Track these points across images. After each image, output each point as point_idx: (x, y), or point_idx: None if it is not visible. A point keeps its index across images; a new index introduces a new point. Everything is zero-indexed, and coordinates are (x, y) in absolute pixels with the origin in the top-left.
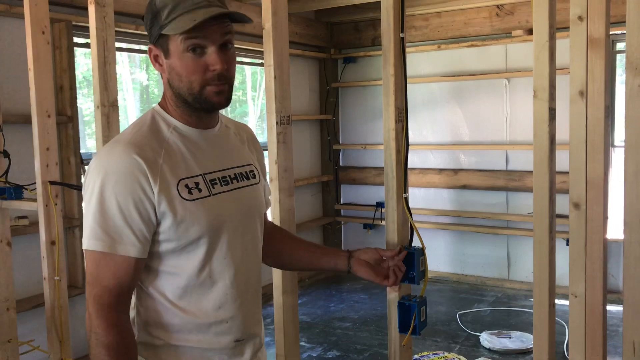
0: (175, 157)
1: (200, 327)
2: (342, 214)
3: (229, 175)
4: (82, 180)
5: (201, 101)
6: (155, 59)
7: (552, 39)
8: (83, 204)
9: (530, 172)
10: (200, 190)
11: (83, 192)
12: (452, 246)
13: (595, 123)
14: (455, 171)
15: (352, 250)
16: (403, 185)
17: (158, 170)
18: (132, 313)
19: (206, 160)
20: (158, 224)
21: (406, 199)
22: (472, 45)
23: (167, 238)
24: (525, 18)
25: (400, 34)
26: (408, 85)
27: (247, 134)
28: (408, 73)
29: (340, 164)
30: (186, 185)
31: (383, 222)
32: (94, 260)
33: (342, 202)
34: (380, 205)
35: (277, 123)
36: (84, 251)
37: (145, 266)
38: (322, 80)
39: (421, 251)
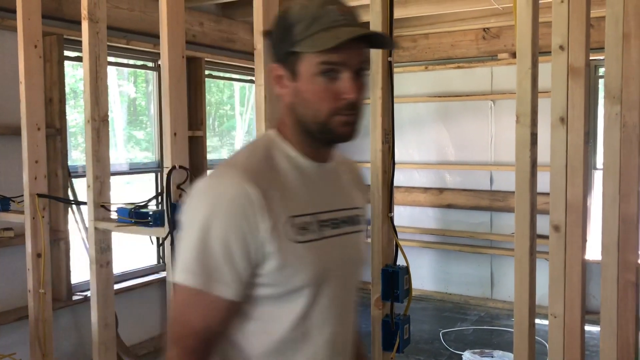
0: (288, 190)
1: None
2: None
3: (338, 218)
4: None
5: (326, 131)
6: (277, 80)
7: (534, 66)
8: (180, 231)
9: (514, 192)
10: (310, 232)
11: (182, 216)
12: (436, 265)
13: (575, 148)
14: (441, 190)
15: None
16: (389, 205)
17: (271, 205)
18: None
19: (318, 198)
20: (260, 265)
21: (391, 219)
22: (459, 67)
23: (267, 282)
24: (510, 41)
25: (388, 58)
26: (395, 104)
27: (354, 170)
28: (395, 93)
29: None
30: (296, 225)
31: None
32: (184, 296)
33: None
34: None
35: None
36: (173, 284)
37: (240, 314)
38: None
39: (405, 270)
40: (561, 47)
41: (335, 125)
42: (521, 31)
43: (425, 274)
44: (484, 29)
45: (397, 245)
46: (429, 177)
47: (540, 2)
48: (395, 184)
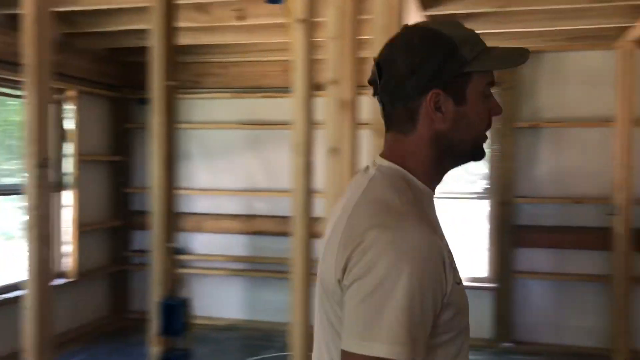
0: (437, 230)
1: None
2: (133, 261)
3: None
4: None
5: (477, 153)
6: (436, 107)
7: (309, 98)
8: (363, 291)
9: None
10: (455, 270)
11: (364, 274)
12: (245, 292)
13: (345, 177)
14: (250, 217)
15: None
16: (168, 234)
17: (444, 252)
18: None
19: (445, 235)
20: (440, 314)
21: (174, 248)
22: (266, 96)
23: (444, 330)
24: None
25: (168, 82)
26: (204, 131)
27: None
28: (205, 119)
29: (133, 208)
30: (452, 266)
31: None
32: None
33: (133, 249)
34: (176, 252)
35: (36, 166)
36: (358, 356)
37: None
38: (114, 120)
39: (185, 302)
40: (333, 82)
41: (483, 145)
42: (296, 66)
43: (234, 302)
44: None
45: (178, 277)
46: (238, 204)
47: (315, 39)
48: (204, 211)
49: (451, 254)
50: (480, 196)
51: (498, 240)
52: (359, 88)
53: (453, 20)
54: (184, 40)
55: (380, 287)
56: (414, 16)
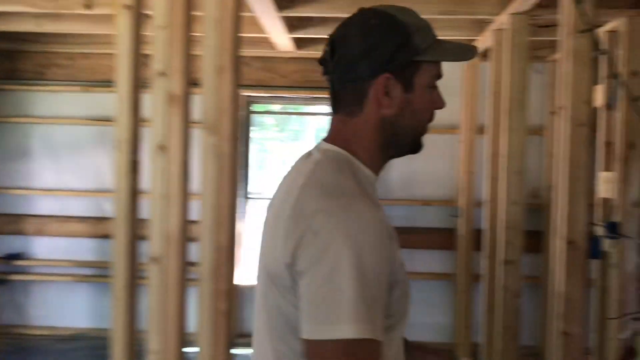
0: (383, 212)
1: None
2: None
3: None
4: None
5: (416, 144)
6: (385, 91)
7: (135, 92)
8: (317, 274)
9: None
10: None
11: (315, 256)
12: (93, 299)
13: (174, 177)
14: (99, 219)
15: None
16: None
17: (392, 230)
18: None
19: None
20: (389, 295)
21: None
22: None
23: (391, 312)
24: None
25: None
26: (48, 126)
27: None
28: (49, 113)
29: None
30: (396, 245)
31: (13, 277)
32: (347, 351)
33: None
34: (11, 257)
35: None
36: (321, 342)
37: None
38: None
39: None
40: (161, 73)
41: (423, 138)
42: (121, 57)
43: (80, 310)
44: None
45: None
46: (86, 206)
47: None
48: (48, 212)
49: (395, 235)
50: None
51: None
52: (191, 86)
53: (408, 8)
54: (26, 26)
55: (336, 271)
56: (268, 16)
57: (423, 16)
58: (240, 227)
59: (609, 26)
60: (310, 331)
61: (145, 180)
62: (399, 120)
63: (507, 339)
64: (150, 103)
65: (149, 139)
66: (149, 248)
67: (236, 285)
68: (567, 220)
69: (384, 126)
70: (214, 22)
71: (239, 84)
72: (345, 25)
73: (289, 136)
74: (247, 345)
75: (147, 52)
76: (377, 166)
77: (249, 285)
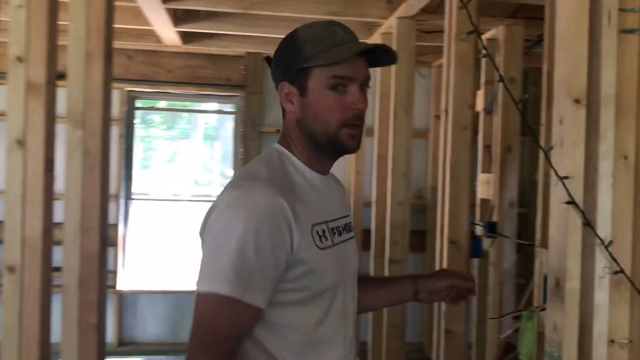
0: (306, 201)
1: None
2: None
3: (341, 226)
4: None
5: (334, 143)
6: (287, 97)
7: None
8: (208, 240)
9: None
10: (326, 239)
11: (211, 225)
12: None
13: (34, 176)
14: None
15: (418, 281)
16: None
17: (298, 214)
18: None
19: (326, 208)
20: (287, 271)
21: None
22: None
23: (295, 287)
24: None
25: None
26: None
27: (339, 184)
28: None
29: None
30: (317, 232)
31: None
32: (215, 304)
33: None
34: None
35: None
36: (199, 293)
37: (263, 320)
38: None
39: None
40: (19, 59)
41: (342, 137)
42: None
43: None
44: None
45: None
46: None
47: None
48: None
49: (324, 224)
50: None
51: None
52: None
53: (330, 22)
54: None
55: (220, 237)
56: (152, 7)
57: (314, 16)
58: (123, 230)
59: (488, 34)
60: (195, 283)
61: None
62: (305, 122)
63: (393, 337)
64: (7, 92)
65: (6, 132)
66: (4, 255)
67: (121, 292)
68: (450, 220)
69: (297, 128)
70: (82, 4)
71: (112, 75)
72: None
73: (177, 134)
74: (132, 354)
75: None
76: (315, 165)
77: (134, 291)
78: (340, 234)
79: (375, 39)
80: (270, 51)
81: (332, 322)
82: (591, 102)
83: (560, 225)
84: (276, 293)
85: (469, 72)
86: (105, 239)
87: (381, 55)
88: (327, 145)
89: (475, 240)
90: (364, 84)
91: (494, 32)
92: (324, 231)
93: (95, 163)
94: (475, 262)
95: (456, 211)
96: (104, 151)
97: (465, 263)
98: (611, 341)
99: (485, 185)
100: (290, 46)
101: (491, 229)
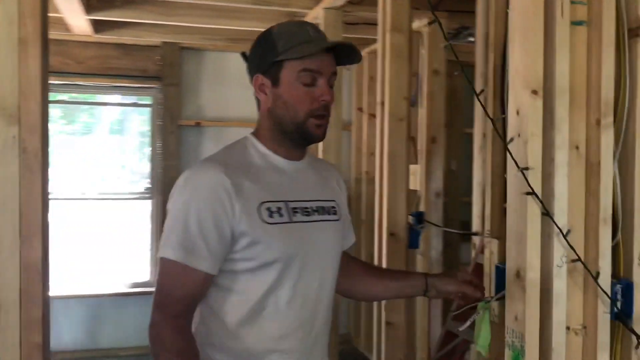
0: (261, 181)
1: (256, 353)
2: None
3: (311, 207)
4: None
5: (302, 132)
6: (260, 88)
7: None
8: (167, 214)
9: None
10: (281, 216)
11: (168, 203)
12: None
13: None
14: None
15: (429, 280)
16: None
17: (242, 191)
18: (194, 331)
19: (290, 189)
20: (235, 242)
21: None
22: None
23: (242, 257)
24: None
25: None
26: None
27: (333, 173)
28: None
29: None
30: (268, 209)
31: None
32: (166, 268)
33: None
34: None
35: None
36: (159, 259)
37: (215, 285)
38: None
39: None
40: None
41: (310, 127)
42: None
43: None
44: None
45: None
46: None
47: None
48: None
49: (281, 202)
50: (143, 196)
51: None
52: None
53: (301, 22)
54: None
55: (171, 211)
56: None
57: (236, 4)
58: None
59: (412, 26)
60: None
61: None
62: (276, 111)
63: None
64: None
65: None
66: None
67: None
68: (389, 212)
69: (269, 117)
70: None
71: (48, 65)
72: None
73: (79, 129)
74: None
75: None
76: (283, 151)
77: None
78: (308, 214)
79: None
80: (188, 41)
81: (284, 294)
82: (546, 94)
83: (520, 216)
84: (227, 261)
85: (404, 64)
86: (47, 248)
87: (347, 54)
88: (295, 133)
89: (412, 231)
90: (331, 78)
91: (418, 24)
92: (279, 209)
93: (34, 163)
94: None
95: (395, 203)
96: (44, 149)
97: (404, 254)
98: (567, 328)
99: (411, 176)
100: (265, 42)
101: (419, 218)
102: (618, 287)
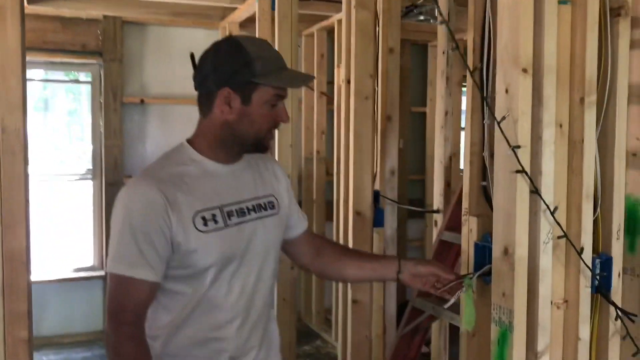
0: (194, 190)
1: (198, 342)
2: None
3: (247, 207)
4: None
5: (259, 145)
6: (225, 101)
7: None
8: (111, 230)
9: None
10: (216, 222)
11: (111, 220)
12: None
13: None
14: None
15: (402, 262)
16: None
17: (177, 205)
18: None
19: (225, 193)
20: (174, 251)
21: None
22: None
23: (178, 265)
24: None
25: None
26: None
27: (269, 165)
28: None
29: None
30: (202, 217)
31: None
32: (114, 282)
33: None
34: None
35: None
36: (108, 274)
37: (163, 287)
38: None
39: None
40: None
41: (266, 141)
42: None
43: None
44: None
45: None
46: None
47: None
48: None
49: (216, 208)
50: (84, 177)
51: (106, 225)
52: None
53: (262, 41)
54: None
55: (112, 226)
56: None
57: None
58: None
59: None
60: None
61: None
62: (238, 125)
63: (284, 310)
64: None
65: None
66: None
67: None
68: (355, 191)
69: (225, 128)
70: None
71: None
72: (207, 49)
73: None
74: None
75: None
76: (221, 157)
77: None
78: (245, 214)
79: (249, 4)
80: (130, 14)
81: (220, 290)
82: (534, 72)
83: (509, 194)
84: (169, 268)
85: (369, 41)
86: (29, 236)
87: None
88: (251, 145)
89: (377, 210)
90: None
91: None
92: (213, 215)
93: (16, 143)
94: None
95: (361, 182)
96: (25, 130)
97: (370, 233)
98: (549, 302)
99: None
100: (238, 57)
101: (375, 197)
102: (597, 261)
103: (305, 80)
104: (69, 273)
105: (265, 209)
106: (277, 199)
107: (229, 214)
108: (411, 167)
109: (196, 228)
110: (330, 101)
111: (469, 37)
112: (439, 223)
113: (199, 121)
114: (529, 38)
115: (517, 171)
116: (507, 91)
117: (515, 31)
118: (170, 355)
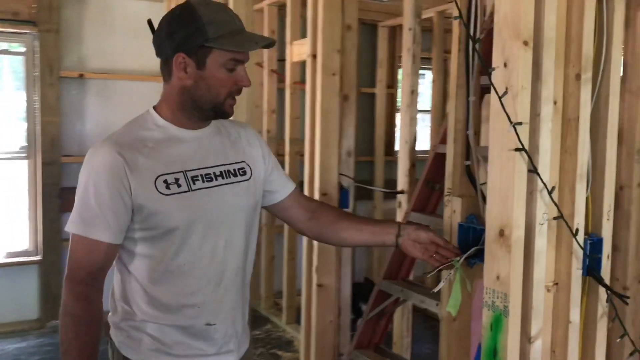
0: (157, 154)
1: (171, 308)
2: None
3: (214, 173)
4: None
5: (217, 110)
6: (180, 66)
7: None
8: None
9: None
10: (179, 186)
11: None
12: None
13: None
14: None
15: (402, 226)
16: None
17: (137, 168)
18: (116, 288)
19: (190, 158)
20: (135, 214)
21: None
22: None
23: (142, 227)
24: None
25: None
26: None
27: (243, 132)
28: None
29: None
30: (165, 181)
31: None
32: (72, 241)
33: None
34: None
35: None
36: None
37: (126, 250)
38: None
39: None
40: None
41: (226, 107)
42: None
43: None
44: None
45: None
46: None
47: None
48: None
49: (180, 172)
50: (18, 156)
51: (42, 207)
52: None
53: (220, 4)
54: None
55: (78, 187)
56: None
57: None
58: None
59: None
60: None
61: None
62: (195, 90)
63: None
64: None
65: None
66: None
67: None
68: (321, 172)
69: (183, 93)
70: None
71: None
72: (164, 15)
73: None
74: None
75: None
76: (185, 122)
77: None
78: (212, 180)
79: None
80: None
81: (189, 255)
82: (534, 45)
83: (506, 173)
84: (131, 230)
85: (337, 15)
86: None
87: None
88: (210, 111)
89: (343, 191)
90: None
91: None
92: (176, 179)
93: None
94: None
95: (327, 162)
96: None
97: None
98: (543, 286)
99: None
100: (190, 22)
101: None
102: (588, 242)
103: (259, 42)
104: (0, 258)
105: (235, 175)
106: (249, 166)
107: (194, 179)
108: (360, 149)
109: (158, 191)
110: (281, 79)
111: (457, 10)
112: (404, 204)
113: (163, 87)
114: (531, 8)
115: (517, 149)
116: (505, 65)
117: (515, 1)
118: (147, 321)
